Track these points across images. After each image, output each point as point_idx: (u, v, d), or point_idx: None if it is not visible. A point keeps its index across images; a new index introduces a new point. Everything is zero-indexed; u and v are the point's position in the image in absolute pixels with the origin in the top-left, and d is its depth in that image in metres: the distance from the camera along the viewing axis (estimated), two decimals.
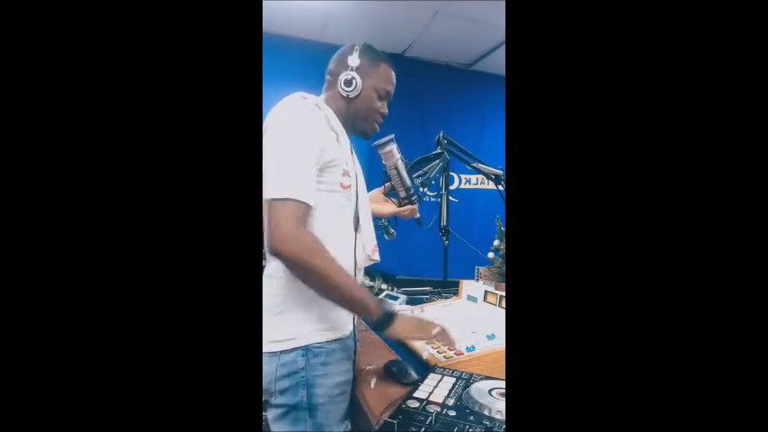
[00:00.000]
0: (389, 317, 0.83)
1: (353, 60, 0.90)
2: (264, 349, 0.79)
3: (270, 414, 0.82)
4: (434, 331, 0.88)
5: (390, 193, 1.26)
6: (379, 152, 1.13)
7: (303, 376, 0.79)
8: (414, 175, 1.27)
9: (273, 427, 0.82)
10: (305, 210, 0.76)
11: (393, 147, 1.11)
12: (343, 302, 0.81)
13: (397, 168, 1.14)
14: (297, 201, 0.74)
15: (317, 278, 0.75)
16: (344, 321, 0.87)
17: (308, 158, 0.77)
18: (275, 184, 0.74)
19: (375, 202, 1.24)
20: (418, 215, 1.30)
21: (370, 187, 1.11)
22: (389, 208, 1.27)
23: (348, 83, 0.89)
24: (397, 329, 0.84)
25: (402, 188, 1.18)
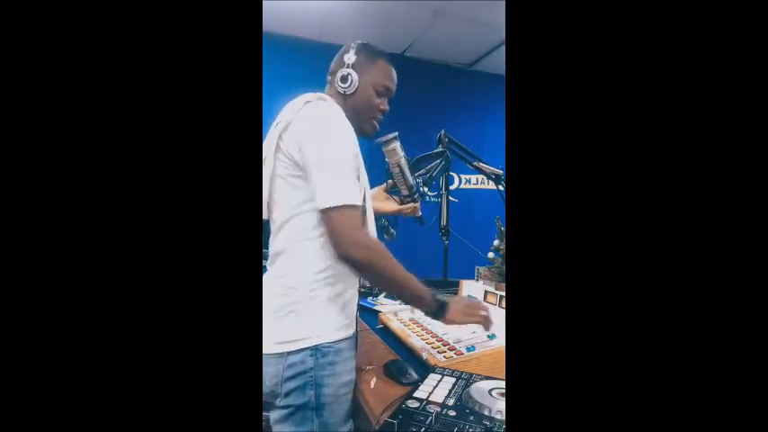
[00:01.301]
0: (443, 306, 0.89)
1: (350, 58, 0.91)
2: (270, 351, 0.79)
3: (274, 415, 0.82)
4: (482, 313, 0.93)
5: (392, 191, 1.26)
6: (383, 149, 1.12)
7: (311, 376, 0.78)
8: (416, 174, 1.27)
9: (277, 428, 0.81)
10: (359, 212, 0.79)
11: (396, 144, 1.11)
12: (405, 296, 0.89)
13: (400, 166, 1.14)
14: (352, 206, 0.77)
15: (383, 277, 0.82)
16: (351, 320, 0.87)
17: (350, 161, 0.80)
18: (329, 192, 0.76)
19: (377, 200, 1.23)
20: (420, 213, 1.30)
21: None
22: (391, 206, 1.26)
23: (344, 79, 0.90)
24: (452, 317, 0.89)
25: (405, 186, 1.18)
